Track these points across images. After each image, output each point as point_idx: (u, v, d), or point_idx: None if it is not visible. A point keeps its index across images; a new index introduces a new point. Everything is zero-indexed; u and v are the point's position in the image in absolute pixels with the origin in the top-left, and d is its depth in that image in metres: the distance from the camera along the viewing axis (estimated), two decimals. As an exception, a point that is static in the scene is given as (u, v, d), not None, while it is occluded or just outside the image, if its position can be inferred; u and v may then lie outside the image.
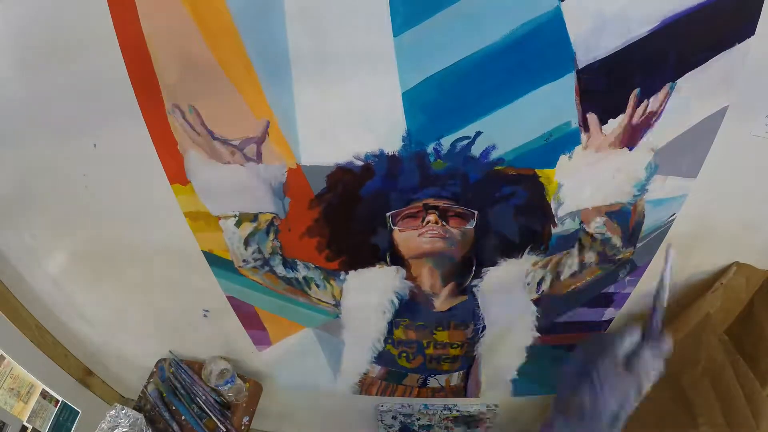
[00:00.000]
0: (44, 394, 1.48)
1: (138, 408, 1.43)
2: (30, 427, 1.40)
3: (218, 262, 1.11)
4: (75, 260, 1.26)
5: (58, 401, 1.52)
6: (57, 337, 1.56)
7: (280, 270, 1.10)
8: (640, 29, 0.71)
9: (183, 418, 1.41)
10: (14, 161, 1.02)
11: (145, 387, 1.47)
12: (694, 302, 1.11)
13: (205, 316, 1.33)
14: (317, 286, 1.13)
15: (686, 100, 0.78)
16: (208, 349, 1.48)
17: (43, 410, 1.46)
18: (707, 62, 0.75)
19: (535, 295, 1.12)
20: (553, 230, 0.97)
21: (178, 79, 0.80)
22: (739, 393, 0.94)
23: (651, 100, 0.78)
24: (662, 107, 0.79)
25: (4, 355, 1.35)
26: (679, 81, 0.76)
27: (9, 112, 0.92)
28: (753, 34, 0.72)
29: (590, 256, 1.02)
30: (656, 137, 0.83)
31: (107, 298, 1.39)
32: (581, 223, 0.96)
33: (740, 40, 0.73)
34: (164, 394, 1.44)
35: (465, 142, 0.83)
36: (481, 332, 1.24)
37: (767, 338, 1.00)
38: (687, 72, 0.76)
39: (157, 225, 1.07)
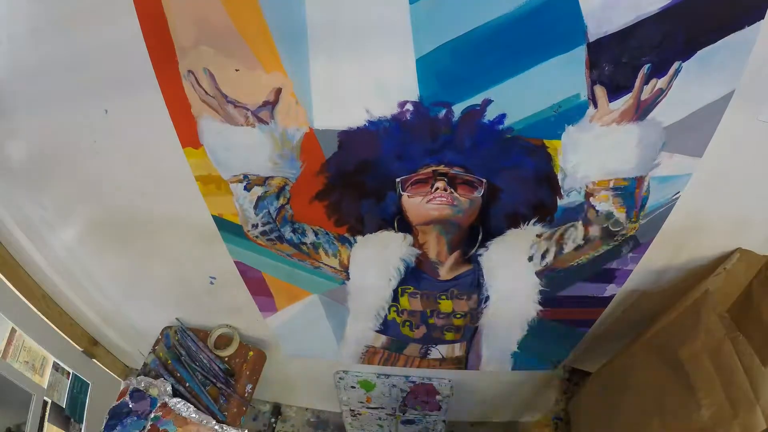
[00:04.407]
0: (56, 367, 1.50)
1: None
2: (50, 401, 1.44)
3: (227, 227, 1.12)
4: (83, 229, 1.28)
5: (69, 373, 1.55)
6: (63, 307, 1.58)
7: (289, 235, 1.11)
8: (651, 6, 0.72)
9: (187, 384, 1.43)
10: (23, 129, 1.03)
11: (147, 357, 1.49)
12: (695, 285, 1.13)
13: (211, 283, 1.35)
14: (325, 251, 1.15)
15: (694, 79, 0.79)
16: (213, 318, 1.51)
17: (58, 383, 1.50)
18: (716, 43, 0.75)
19: (538, 267, 1.14)
20: (559, 202, 0.99)
21: (194, 42, 0.81)
22: (739, 367, 0.95)
23: (659, 77, 0.79)
24: (670, 85, 0.80)
25: (15, 327, 1.38)
26: (688, 60, 0.77)
27: (20, 78, 0.93)
28: (763, 18, 0.72)
29: (594, 230, 1.04)
30: (663, 114, 0.84)
31: (114, 267, 1.41)
32: (586, 196, 0.97)
33: (750, 23, 0.73)
34: (169, 361, 1.47)
35: (476, 110, 0.84)
36: (485, 303, 1.26)
37: (765, 322, 1.01)
38: (696, 51, 0.76)
39: (168, 189, 1.08)
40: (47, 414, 1.41)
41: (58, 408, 1.47)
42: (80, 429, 1.54)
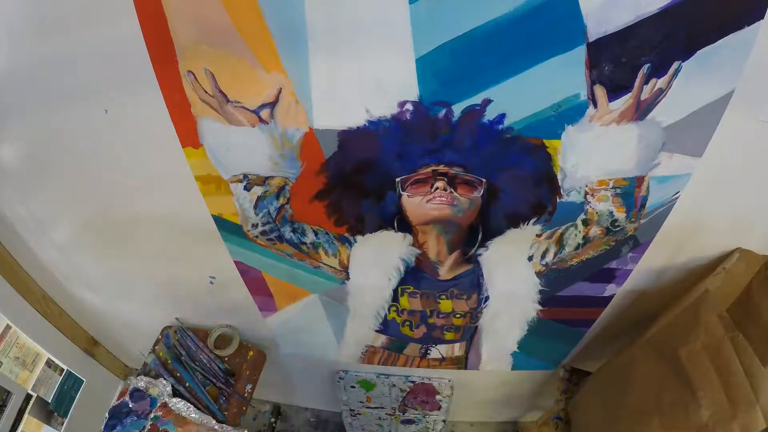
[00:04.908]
0: (49, 363, 1.50)
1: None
2: (34, 395, 1.43)
3: (227, 226, 1.12)
4: (82, 229, 1.27)
5: (63, 370, 1.55)
6: (63, 307, 1.58)
7: (289, 235, 1.11)
8: (651, 6, 0.72)
9: (187, 384, 1.43)
10: (22, 129, 1.02)
11: (147, 357, 1.49)
12: (694, 285, 1.13)
13: (211, 283, 1.35)
14: (325, 251, 1.15)
15: (694, 79, 0.79)
16: (213, 318, 1.50)
17: (48, 379, 1.49)
18: (716, 43, 0.75)
19: (538, 267, 1.14)
20: (559, 202, 0.99)
21: (194, 42, 0.81)
22: (739, 367, 0.95)
23: (659, 77, 0.79)
24: (670, 85, 0.80)
25: (11, 324, 1.37)
26: (688, 60, 0.77)
27: (19, 78, 0.92)
28: (762, 18, 0.72)
29: (594, 230, 1.03)
30: (663, 114, 0.84)
31: (114, 267, 1.41)
32: (586, 195, 0.97)
33: (750, 22, 0.73)
34: (169, 361, 1.46)
35: (476, 109, 0.84)
36: (485, 303, 1.26)
37: (765, 322, 1.01)
38: (696, 51, 0.76)
39: (167, 189, 1.08)
40: (29, 407, 1.41)
41: (43, 402, 1.46)
42: (62, 422, 1.53)
